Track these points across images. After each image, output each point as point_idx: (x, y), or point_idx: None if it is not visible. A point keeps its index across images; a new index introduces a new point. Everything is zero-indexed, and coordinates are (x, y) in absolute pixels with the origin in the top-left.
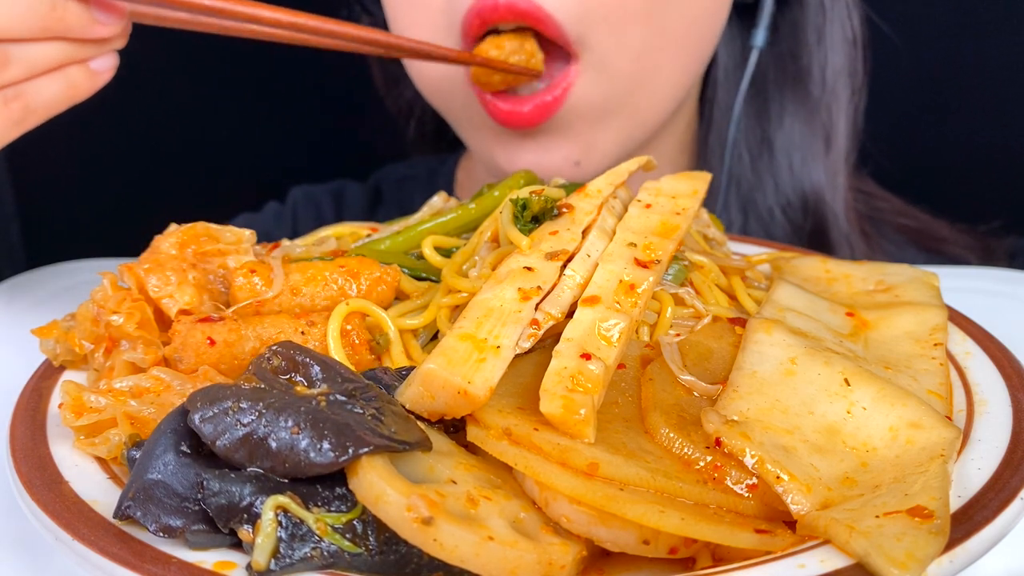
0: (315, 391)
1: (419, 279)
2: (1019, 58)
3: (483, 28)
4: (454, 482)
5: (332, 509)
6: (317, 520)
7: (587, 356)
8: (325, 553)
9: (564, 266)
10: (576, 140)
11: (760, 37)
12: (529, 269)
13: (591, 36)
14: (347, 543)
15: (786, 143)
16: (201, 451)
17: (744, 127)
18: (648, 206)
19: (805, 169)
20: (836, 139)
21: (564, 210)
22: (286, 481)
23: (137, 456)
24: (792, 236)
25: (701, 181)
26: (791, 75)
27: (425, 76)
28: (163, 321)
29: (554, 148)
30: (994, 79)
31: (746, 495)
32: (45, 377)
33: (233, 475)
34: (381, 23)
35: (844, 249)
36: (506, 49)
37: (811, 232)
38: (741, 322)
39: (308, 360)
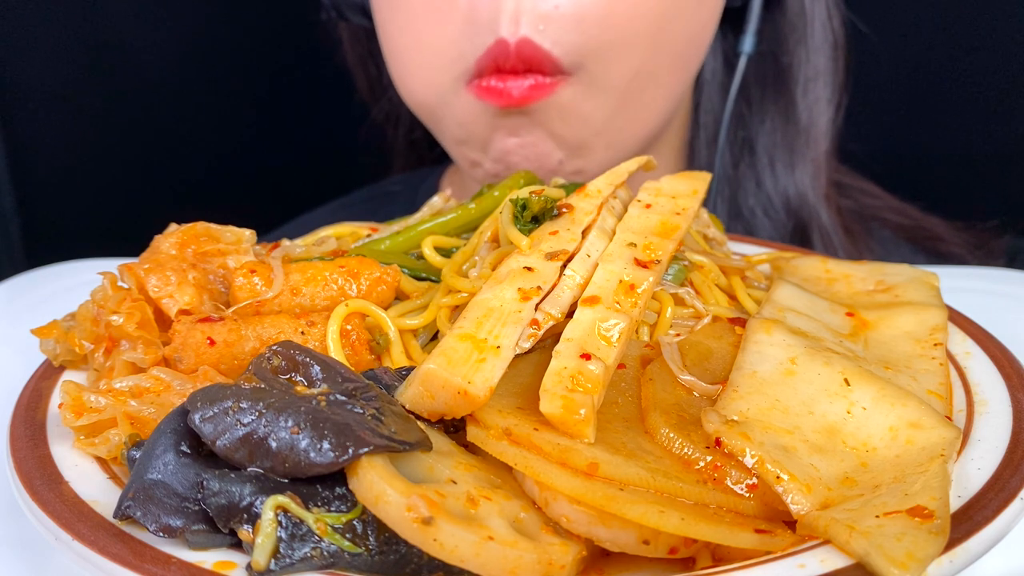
0: (315, 391)
1: (419, 279)
2: (1013, 53)
3: (495, 70)
4: (454, 482)
5: (332, 509)
6: (317, 520)
7: (587, 356)
8: (325, 553)
9: (564, 266)
10: (561, 141)
11: (748, 43)
12: (529, 269)
13: (587, 62)
14: (347, 543)
15: (767, 144)
16: (201, 451)
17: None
18: (648, 206)
19: (786, 170)
20: (817, 140)
21: (564, 210)
22: (286, 481)
23: (137, 456)
24: (774, 235)
25: (701, 181)
26: (772, 77)
27: (418, 92)
28: (163, 321)
29: (541, 142)
30: (989, 75)
31: (746, 495)
32: (45, 377)
33: (233, 475)
34: (359, 30)
35: (827, 247)
36: None
37: (793, 231)
38: (741, 322)
39: (308, 360)
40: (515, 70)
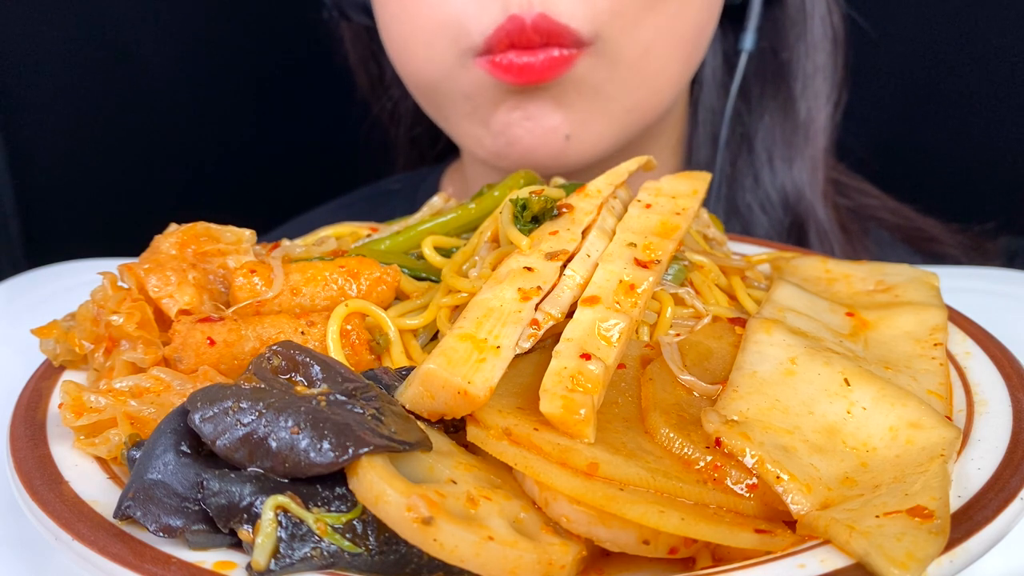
0: (315, 391)
1: (419, 279)
2: (1012, 55)
3: (509, 46)
4: (454, 482)
5: (332, 509)
6: (317, 520)
7: (587, 356)
8: (325, 553)
9: (564, 266)
10: (570, 114)
11: (749, 40)
12: (529, 269)
13: (604, 31)
14: (347, 543)
15: (766, 140)
16: (201, 451)
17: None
18: (648, 206)
19: (784, 166)
20: (815, 136)
21: (564, 210)
22: (286, 481)
23: (137, 456)
24: (771, 232)
25: (701, 181)
26: (771, 73)
27: (420, 70)
28: (163, 321)
29: (548, 114)
30: (987, 77)
31: (746, 495)
32: (45, 377)
33: (233, 475)
34: (360, 29)
35: (824, 245)
36: None
37: (790, 228)
38: (741, 322)
39: (308, 360)
40: (531, 44)
